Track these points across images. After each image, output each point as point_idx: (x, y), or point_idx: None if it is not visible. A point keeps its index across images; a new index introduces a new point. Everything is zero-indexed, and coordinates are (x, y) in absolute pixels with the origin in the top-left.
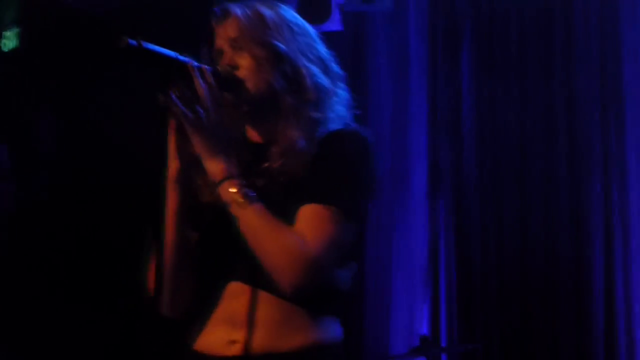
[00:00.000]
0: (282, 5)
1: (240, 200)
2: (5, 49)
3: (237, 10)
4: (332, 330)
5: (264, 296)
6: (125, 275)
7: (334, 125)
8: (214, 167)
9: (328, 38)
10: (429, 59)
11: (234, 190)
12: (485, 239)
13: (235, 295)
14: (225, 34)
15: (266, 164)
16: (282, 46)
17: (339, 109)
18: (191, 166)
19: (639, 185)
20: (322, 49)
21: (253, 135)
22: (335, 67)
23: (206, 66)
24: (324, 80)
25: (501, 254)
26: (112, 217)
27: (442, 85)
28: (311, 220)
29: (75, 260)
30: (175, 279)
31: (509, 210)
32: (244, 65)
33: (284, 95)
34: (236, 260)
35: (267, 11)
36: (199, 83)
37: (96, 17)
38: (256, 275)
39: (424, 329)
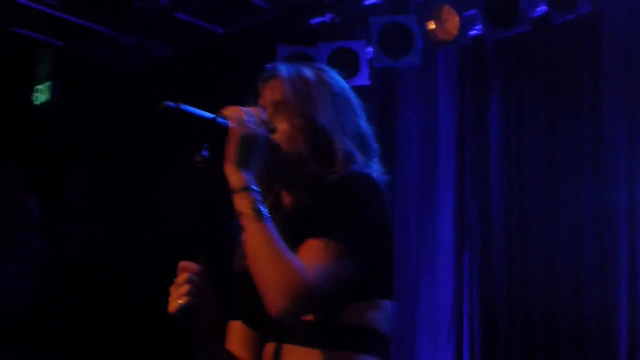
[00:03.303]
0: (331, 72)
1: (252, 213)
2: (38, 103)
3: (284, 73)
4: None
5: (291, 349)
6: (149, 330)
7: None
8: (237, 176)
9: (357, 92)
10: (457, 112)
11: (247, 202)
12: (511, 293)
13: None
14: (270, 94)
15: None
16: (321, 121)
17: None
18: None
19: None
20: (362, 123)
21: (285, 197)
22: (372, 142)
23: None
24: (357, 155)
25: (527, 308)
26: (139, 271)
27: (470, 139)
28: (310, 251)
29: (101, 312)
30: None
31: (534, 264)
32: (281, 130)
33: (312, 165)
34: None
35: (314, 80)
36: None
37: (128, 74)
38: (284, 334)
39: None
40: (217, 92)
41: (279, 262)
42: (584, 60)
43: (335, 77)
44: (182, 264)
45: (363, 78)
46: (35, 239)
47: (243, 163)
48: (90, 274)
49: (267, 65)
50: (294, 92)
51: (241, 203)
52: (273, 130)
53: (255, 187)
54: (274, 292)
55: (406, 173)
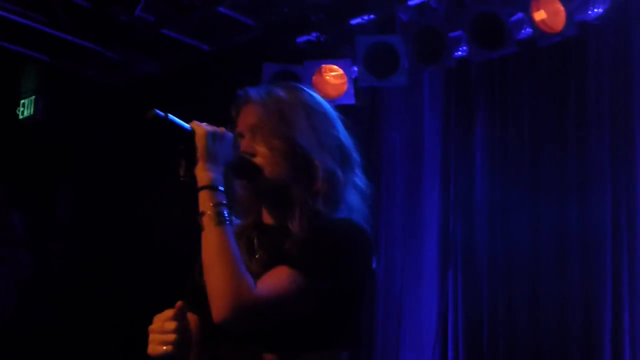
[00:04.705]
0: (304, 89)
1: (212, 215)
2: (22, 117)
3: (257, 97)
4: None
5: None
6: (134, 345)
7: (340, 215)
8: (203, 173)
9: (341, 111)
10: (442, 133)
11: (210, 202)
12: (495, 315)
13: None
14: (245, 119)
15: (264, 244)
16: (298, 140)
17: (351, 199)
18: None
19: None
20: (342, 135)
21: (266, 217)
22: (353, 154)
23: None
24: (337, 171)
25: (511, 330)
26: (122, 288)
27: (455, 160)
28: (274, 275)
29: (85, 328)
30: None
31: (519, 286)
32: (261, 153)
33: (294, 186)
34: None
35: (286, 98)
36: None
37: (115, 90)
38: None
39: None
40: (203, 110)
41: (228, 270)
42: (570, 83)
43: (310, 93)
44: (169, 312)
45: (348, 97)
46: (19, 254)
47: (210, 159)
48: (75, 289)
49: (239, 92)
50: (267, 114)
51: (204, 202)
52: (253, 155)
53: (220, 188)
54: (218, 299)
55: (391, 193)
